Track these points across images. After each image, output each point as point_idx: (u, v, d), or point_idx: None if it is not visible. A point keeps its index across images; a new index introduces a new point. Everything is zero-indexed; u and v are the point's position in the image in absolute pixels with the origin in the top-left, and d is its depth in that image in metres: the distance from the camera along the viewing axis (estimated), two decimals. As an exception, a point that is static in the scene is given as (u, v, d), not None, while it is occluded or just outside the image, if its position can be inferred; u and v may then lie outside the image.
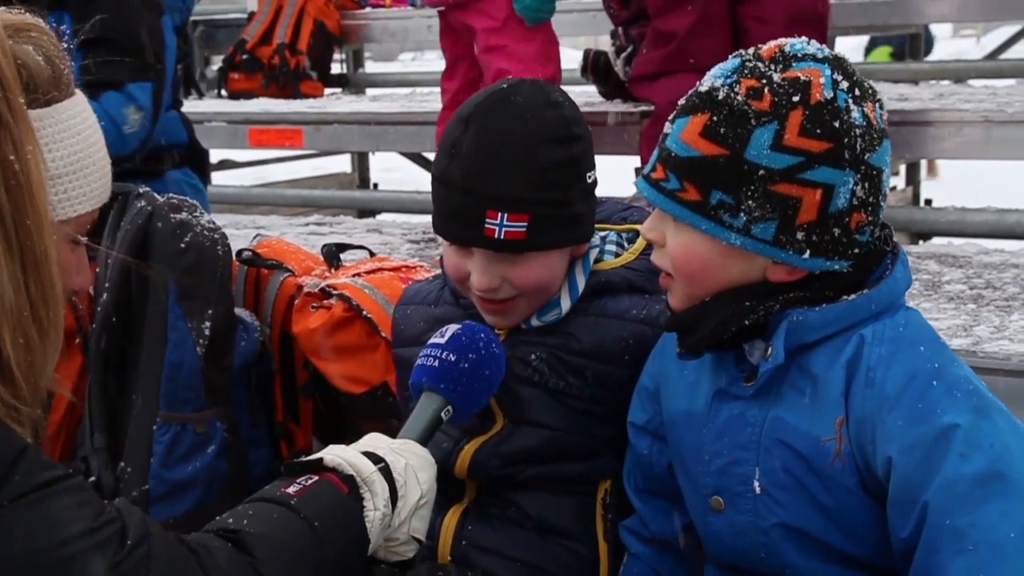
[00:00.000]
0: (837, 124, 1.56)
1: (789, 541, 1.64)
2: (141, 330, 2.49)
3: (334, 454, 1.69)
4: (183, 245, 2.46)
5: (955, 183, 7.80)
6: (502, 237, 1.83)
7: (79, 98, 1.62)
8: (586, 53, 4.74)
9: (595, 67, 4.63)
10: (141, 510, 1.50)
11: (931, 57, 8.79)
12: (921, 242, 4.85)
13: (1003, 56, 7.43)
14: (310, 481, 1.63)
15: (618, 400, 1.91)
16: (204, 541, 1.51)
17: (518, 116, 1.85)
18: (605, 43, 4.90)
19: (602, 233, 2.01)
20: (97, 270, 2.58)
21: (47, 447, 2.59)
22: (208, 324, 2.45)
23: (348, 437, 2.61)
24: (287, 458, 2.65)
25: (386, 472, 1.69)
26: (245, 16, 6.88)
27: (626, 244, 2.02)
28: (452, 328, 1.86)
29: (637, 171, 3.90)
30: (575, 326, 1.94)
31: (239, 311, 2.59)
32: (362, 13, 6.89)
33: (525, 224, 1.83)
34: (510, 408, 1.96)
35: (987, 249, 3.57)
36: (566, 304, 1.95)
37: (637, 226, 1.96)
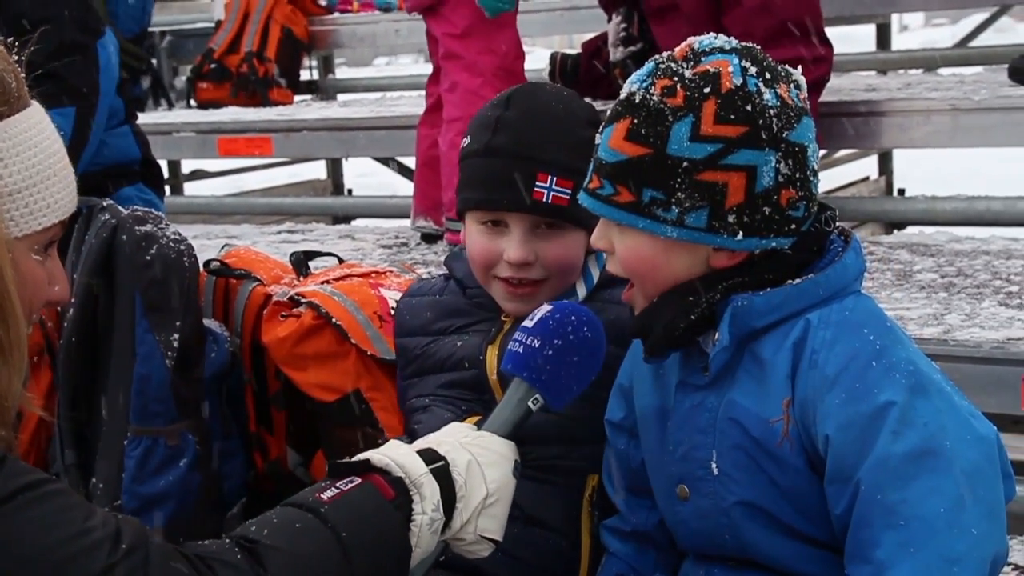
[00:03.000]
0: (750, 108, 1.62)
1: (750, 520, 1.68)
2: (109, 344, 2.46)
3: (384, 453, 1.64)
4: (148, 257, 2.44)
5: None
6: (549, 201, 1.94)
7: (34, 109, 1.60)
8: (553, 57, 4.72)
9: (563, 71, 4.61)
10: (139, 521, 1.47)
11: (902, 46, 8.81)
12: (895, 231, 4.86)
13: (972, 44, 7.46)
14: (350, 485, 1.59)
15: (611, 381, 1.93)
16: (214, 553, 1.48)
17: (557, 96, 2.06)
18: (578, 43, 4.91)
19: None
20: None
21: (16, 466, 2.56)
22: (176, 336, 2.43)
23: (322, 446, 2.61)
24: (261, 469, 2.64)
25: (443, 471, 1.64)
26: (212, 25, 6.85)
27: None
28: (542, 310, 1.80)
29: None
30: None
31: (208, 322, 2.57)
32: (330, 19, 6.88)
33: (569, 192, 1.94)
34: None
35: (958, 237, 3.59)
36: (582, 292, 2.04)
37: None
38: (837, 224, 1.73)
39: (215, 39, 6.55)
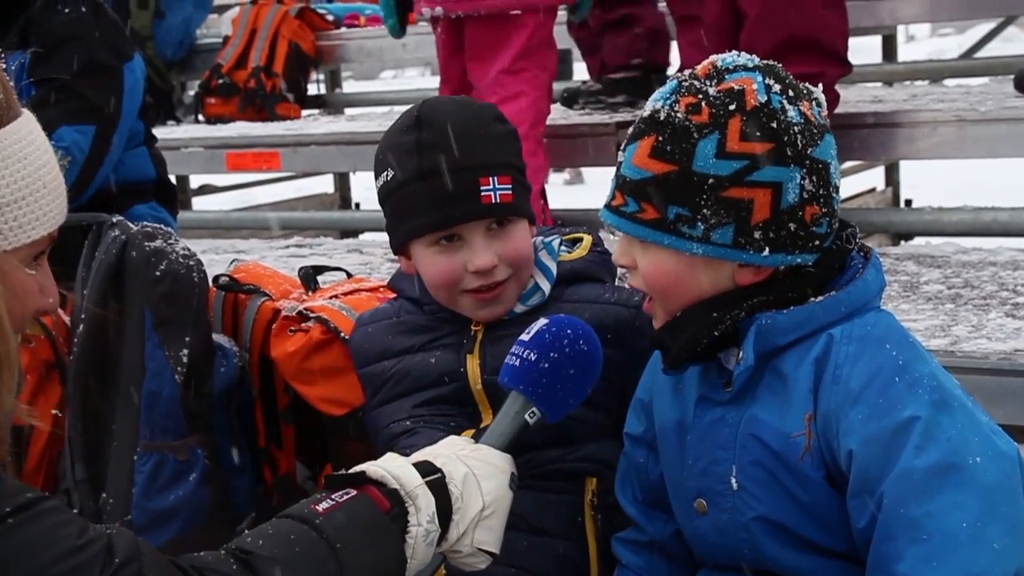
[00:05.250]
0: (775, 125, 1.63)
1: (768, 535, 1.69)
2: (119, 360, 2.48)
3: (380, 465, 1.65)
4: (158, 273, 2.45)
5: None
6: (498, 201, 1.97)
7: (24, 120, 1.58)
8: None
9: None
10: (133, 533, 1.48)
11: (908, 56, 8.81)
12: (902, 242, 4.86)
13: (978, 54, 7.46)
14: (345, 497, 1.60)
15: (601, 382, 1.93)
16: (209, 563, 1.49)
17: (459, 104, 2.09)
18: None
19: (547, 238, 2.13)
20: (74, 301, 2.58)
21: (27, 481, 2.57)
22: (186, 351, 2.44)
23: (331, 460, 2.62)
24: (270, 483, 2.64)
25: (439, 484, 1.65)
26: (220, 40, 6.88)
27: (571, 247, 2.16)
28: (539, 324, 1.83)
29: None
30: (554, 312, 2.01)
31: (217, 337, 2.59)
32: (336, 34, 6.89)
33: (510, 186, 1.98)
34: (501, 401, 1.98)
35: (965, 248, 3.58)
36: (546, 286, 2.06)
37: (574, 235, 2.16)
38: (857, 240, 1.75)
39: (223, 54, 6.58)
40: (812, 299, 1.67)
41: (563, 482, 1.99)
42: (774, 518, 1.67)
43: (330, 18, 6.99)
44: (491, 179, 1.97)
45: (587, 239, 2.16)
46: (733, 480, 1.70)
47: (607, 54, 4.87)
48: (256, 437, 2.64)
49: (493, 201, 1.97)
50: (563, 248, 2.14)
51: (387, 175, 2.03)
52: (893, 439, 1.56)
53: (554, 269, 2.07)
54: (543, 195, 4.03)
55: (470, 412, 2.05)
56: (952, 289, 3.08)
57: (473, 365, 2.04)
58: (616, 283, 2.15)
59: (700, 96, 1.65)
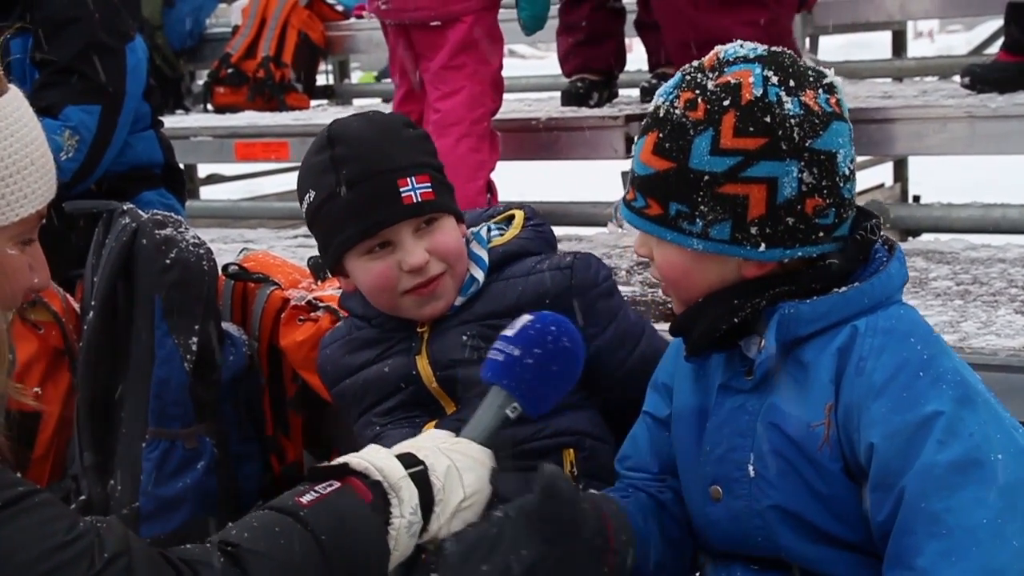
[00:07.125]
0: (769, 119, 1.63)
1: (783, 524, 1.69)
2: (128, 347, 2.48)
3: (363, 457, 1.66)
4: (168, 261, 2.46)
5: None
6: (419, 200, 2.01)
7: (10, 98, 1.57)
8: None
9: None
10: (124, 526, 1.48)
11: (917, 52, 8.79)
12: (911, 238, 4.85)
13: (988, 51, 7.44)
14: (329, 489, 1.60)
15: None
16: (197, 556, 1.49)
17: (366, 118, 2.13)
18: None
19: (475, 228, 2.16)
20: (84, 288, 2.59)
21: (36, 467, 2.59)
22: (195, 339, 2.45)
23: (337, 448, 2.63)
24: (278, 472, 2.65)
25: (422, 476, 1.66)
26: (229, 30, 6.88)
27: (505, 227, 2.19)
28: (523, 320, 1.84)
29: (624, 175, 3.93)
30: (490, 294, 2.08)
31: (226, 325, 2.59)
32: (346, 24, 6.88)
33: (429, 184, 2.02)
34: (460, 392, 2.04)
35: (974, 244, 3.57)
36: (480, 275, 2.09)
37: (508, 212, 2.20)
38: (881, 233, 1.74)
39: (232, 44, 6.58)
40: (836, 290, 1.67)
41: (542, 458, 2.00)
42: (789, 507, 1.67)
43: (340, 8, 6.99)
44: (409, 180, 2.01)
45: (519, 216, 2.19)
46: (750, 468, 1.71)
47: (658, 50, 4.86)
48: (264, 426, 2.65)
49: (415, 200, 2.00)
50: (496, 232, 2.16)
51: (309, 198, 2.07)
52: (916, 433, 1.56)
53: (485, 257, 2.10)
54: (490, 188, 4.02)
55: (432, 409, 2.09)
56: (961, 285, 3.08)
57: (423, 365, 2.08)
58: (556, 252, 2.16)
59: (698, 91, 1.66)
